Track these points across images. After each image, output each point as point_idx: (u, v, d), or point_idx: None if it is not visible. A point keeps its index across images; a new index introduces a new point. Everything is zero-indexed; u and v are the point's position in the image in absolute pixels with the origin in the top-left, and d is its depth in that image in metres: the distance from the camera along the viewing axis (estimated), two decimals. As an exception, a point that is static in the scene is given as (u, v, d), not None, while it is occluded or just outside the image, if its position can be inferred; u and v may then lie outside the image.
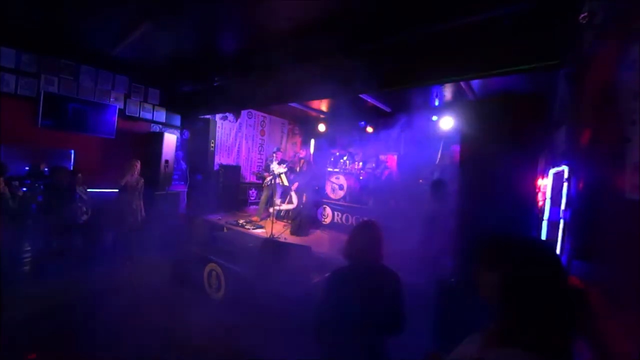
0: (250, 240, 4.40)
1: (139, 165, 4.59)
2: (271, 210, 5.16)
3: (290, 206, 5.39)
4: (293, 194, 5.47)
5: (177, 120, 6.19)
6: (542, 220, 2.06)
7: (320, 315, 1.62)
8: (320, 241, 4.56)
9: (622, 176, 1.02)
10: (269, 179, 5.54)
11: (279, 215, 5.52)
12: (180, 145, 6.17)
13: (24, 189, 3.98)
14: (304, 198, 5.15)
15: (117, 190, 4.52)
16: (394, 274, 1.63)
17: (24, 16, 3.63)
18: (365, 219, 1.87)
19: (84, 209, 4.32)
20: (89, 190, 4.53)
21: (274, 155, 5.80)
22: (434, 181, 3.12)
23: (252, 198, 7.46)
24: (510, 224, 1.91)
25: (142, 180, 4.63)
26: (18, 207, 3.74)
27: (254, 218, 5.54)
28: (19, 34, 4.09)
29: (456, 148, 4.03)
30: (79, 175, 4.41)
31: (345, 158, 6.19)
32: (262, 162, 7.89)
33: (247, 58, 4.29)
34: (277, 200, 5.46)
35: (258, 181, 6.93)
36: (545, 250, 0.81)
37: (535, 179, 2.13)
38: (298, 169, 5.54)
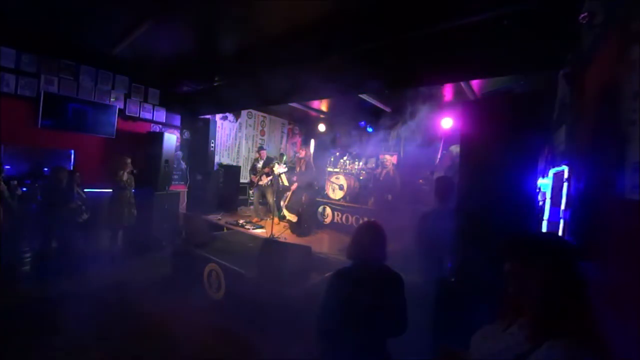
0: (250, 240, 4.40)
1: (129, 161, 4.61)
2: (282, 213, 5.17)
3: (289, 195, 5.38)
4: (283, 177, 5.46)
5: (177, 120, 6.19)
6: (542, 220, 2.06)
7: (322, 315, 1.62)
8: (320, 241, 4.56)
9: (622, 176, 1.02)
10: (267, 180, 5.53)
11: (282, 216, 5.52)
12: (180, 145, 6.18)
13: (24, 188, 3.98)
14: (304, 198, 5.14)
15: (111, 189, 4.55)
16: (397, 274, 1.63)
17: (24, 16, 3.64)
18: (367, 219, 1.87)
19: (84, 208, 4.33)
20: (86, 190, 4.54)
21: (259, 154, 5.78)
22: (438, 178, 3.07)
23: (252, 198, 7.46)
24: (510, 223, 1.91)
25: (133, 177, 4.66)
26: (17, 206, 3.74)
27: (255, 219, 5.55)
28: (19, 34, 4.10)
29: (456, 148, 4.03)
30: (77, 174, 4.42)
31: (345, 158, 6.19)
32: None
33: (247, 58, 4.29)
34: (271, 200, 5.46)
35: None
36: (571, 248, 0.90)
37: (535, 179, 2.13)
38: (298, 169, 5.54)
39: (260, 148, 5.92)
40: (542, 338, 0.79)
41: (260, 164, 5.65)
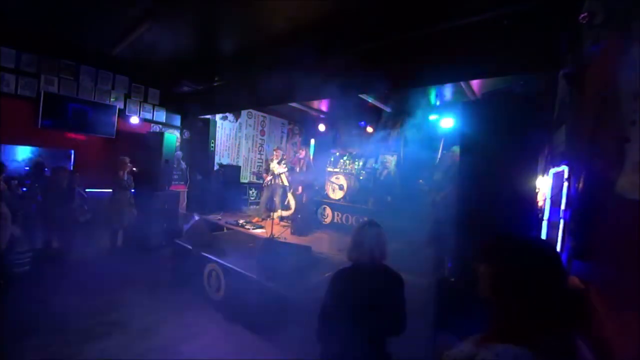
0: (250, 240, 4.40)
1: (128, 161, 4.61)
2: (275, 214, 5.18)
3: (288, 212, 5.41)
4: (290, 197, 5.46)
5: (177, 120, 6.19)
6: (542, 220, 2.06)
7: (322, 314, 1.63)
8: (320, 241, 4.56)
9: (622, 176, 1.02)
10: (269, 179, 5.53)
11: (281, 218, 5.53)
12: (180, 145, 6.18)
13: (24, 188, 3.98)
14: (304, 198, 5.14)
15: (111, 189, 4.55)
16: (397, 274, 1.63)
17: (24, 16, 3.63)
18: (366, 219, 1.86)
19: (86, 207, 4.33)
20: (87, 190, 4.54)
21: (274, 153, 5.79)
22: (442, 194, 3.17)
23: (252, 198, 7.47)
24: (510, 223, 1.91)
25: (132, 176, 4.66)
26: (17, 206, 3.74)
27: (255, 218, 5.54)
28: (19, 34, 4.09)
29: (457, 148, 4.02)
30: (76, 174, 4.42)
31: (345, 158, 6.19)
32: (262, 162, 7.90)
33: (247, 58, 4.29)
34: (278, 209, 5.46)
35: (258, 181, 6.94)
36: (546, 248, 0.84)
37: (535, 179, 2.13)
38: (298, 169, 5.55)
39: (278, 147, 5.95)
40: (490, 341, 0.76)
41: (273, 164, 5.64)
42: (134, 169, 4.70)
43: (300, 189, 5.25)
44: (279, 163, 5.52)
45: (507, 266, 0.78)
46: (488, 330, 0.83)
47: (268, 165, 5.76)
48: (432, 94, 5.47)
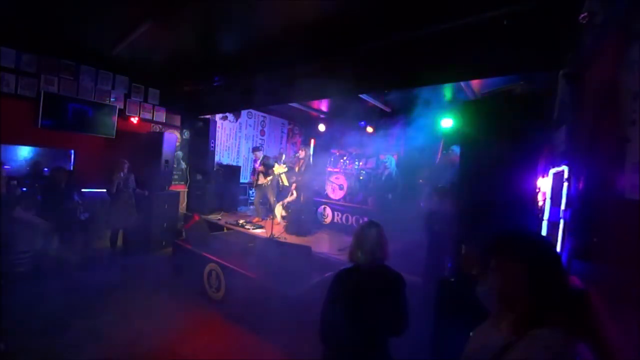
0: (250, 240, 4.40)
1: (127, 164, 4.59)
2: (279, 210, 5.18)
3: (291, 198, 5.40)
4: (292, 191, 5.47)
5: (177, 120, 6.19)
6: (542, 220, 2.06)
7: (324, 315, 1.63)
8: (320, 241, 4.56)
9: (622, 176, 1.02)
10: (267, 180, 5.53)
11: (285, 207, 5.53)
12: (180, 145, 6.18)
13: (24, 188, 3.98)
14: (302, 198, 5.13)
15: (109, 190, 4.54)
16: (397, 274, 1.63)
17: (24, 16, 3.63)
18: (368, 219, 1.86)
19: (82, 208, 4.32)
20: (87, 190, 4.53)
21: (255, 154, 5.78)
22: (438, 188, 3.19)
23: (252, 198, 7.47)
24: (510, 223, 1.91)
25: (132, 176, 4.64)
26: (17, 206, 3.74)
27: (255, 218, 5.54)
28: (19, 34, 4.09)
29: (456, 148, 4.02)
30: (74, 174, 4.41)
31: (345, 158, 6.19)
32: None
33: (247, 58, 4.29)
34: (272, 200, 5.46)
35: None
36: (549, 245, 0.92)
37: (535, 179, 2.13)
38: (297, 169, 5.54)
39: (255, 149, 5.92)
40: (526, 329, 0.80)
41: (257, 164, 5.66)
42: (123, 174, 4.62)
43: (293, 186, 5.24)
44: (278, 164, 5.51)
45: (537, 262, 0.83)
46: (515, 319, 0.85)
47: (254, 168, 5.77)
48: (432, 93, 5.46)
